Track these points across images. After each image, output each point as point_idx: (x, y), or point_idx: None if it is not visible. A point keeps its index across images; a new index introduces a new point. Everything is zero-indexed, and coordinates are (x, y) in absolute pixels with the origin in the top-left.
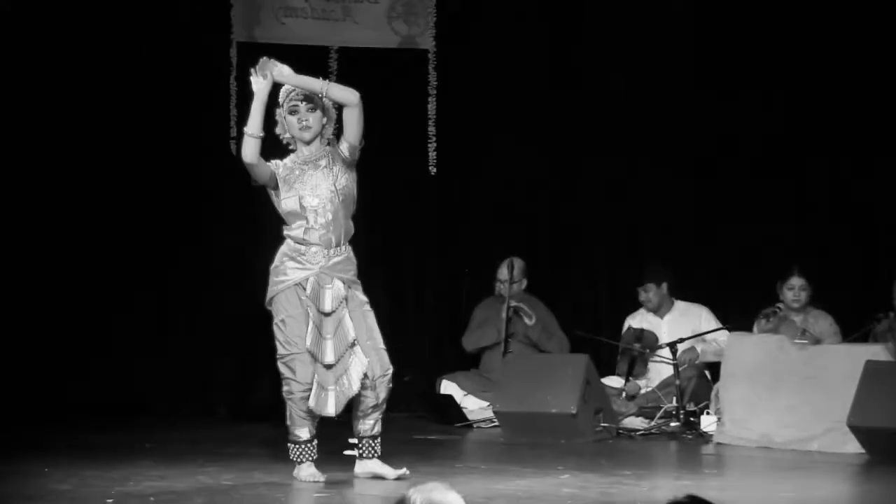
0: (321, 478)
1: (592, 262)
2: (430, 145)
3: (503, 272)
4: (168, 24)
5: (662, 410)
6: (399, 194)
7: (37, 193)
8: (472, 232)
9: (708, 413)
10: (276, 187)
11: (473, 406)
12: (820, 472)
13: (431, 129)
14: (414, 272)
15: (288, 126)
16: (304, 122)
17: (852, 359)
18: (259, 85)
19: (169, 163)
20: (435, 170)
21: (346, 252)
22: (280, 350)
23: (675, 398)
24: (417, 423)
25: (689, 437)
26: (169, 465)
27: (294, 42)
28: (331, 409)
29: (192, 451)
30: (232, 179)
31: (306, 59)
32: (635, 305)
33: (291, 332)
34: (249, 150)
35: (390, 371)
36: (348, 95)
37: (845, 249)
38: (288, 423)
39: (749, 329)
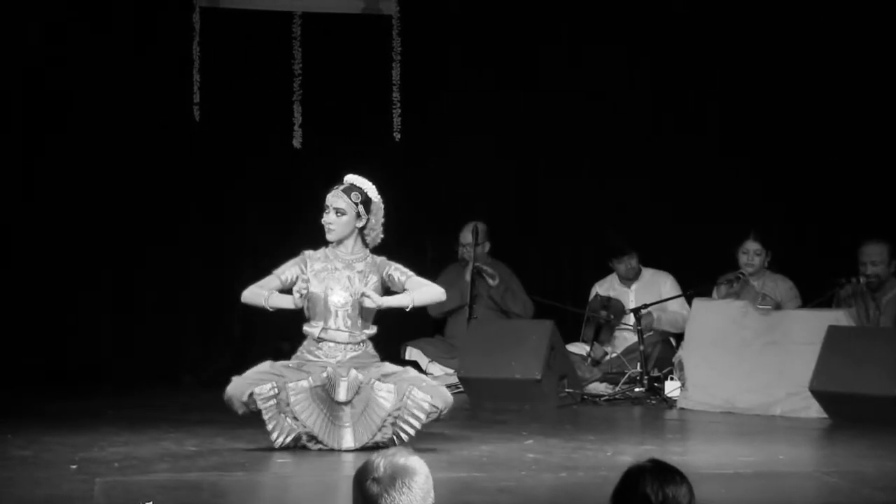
0: None
1: (556, 230)
2: (394, 111)
3: (467, 236)
4: None
5: (626, 376)
6: (363, 160)
7: None
8: (437, 198)
9: (672, 378)
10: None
11: (438, 372)
12: (782, 437)
13: (396, 96)
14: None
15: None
16: (326, 224)
17: (815, 324)
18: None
19: (132, 129)
20: (399, 136)
21: (364, 348)
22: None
23: (639, 364)
24: None
25: (653, 402)
26: (133, 431)
27: (257, 7)
28: (348, 443)
29: (155, 418)
30: (194, 146)
31: (270, 25)
32: (601, 272)
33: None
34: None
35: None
36: (434, 297)
37: (807, 215)
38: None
39: (708, 295)
